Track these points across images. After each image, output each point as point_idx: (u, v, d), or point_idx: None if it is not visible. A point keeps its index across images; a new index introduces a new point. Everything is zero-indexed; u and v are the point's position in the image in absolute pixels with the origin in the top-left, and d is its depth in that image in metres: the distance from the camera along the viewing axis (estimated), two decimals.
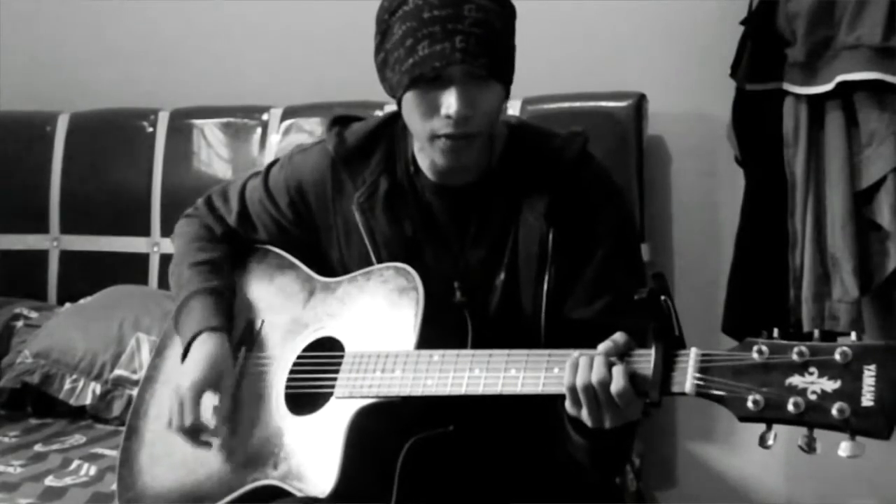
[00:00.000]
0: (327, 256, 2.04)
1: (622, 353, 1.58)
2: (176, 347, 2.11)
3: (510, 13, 1.83)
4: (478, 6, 1.74)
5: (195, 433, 1.95)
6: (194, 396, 1.93)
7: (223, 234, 2.15)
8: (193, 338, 1.99)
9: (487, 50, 1.74)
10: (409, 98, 1.80)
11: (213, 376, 1.95)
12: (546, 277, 1.86)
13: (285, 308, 2.03)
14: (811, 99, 2.75)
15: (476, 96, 1.77)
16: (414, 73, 1.76)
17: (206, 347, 1.97)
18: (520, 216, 1.89)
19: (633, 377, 1.55)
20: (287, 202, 2.06)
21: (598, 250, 1.86)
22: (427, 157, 1.90)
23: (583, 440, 1.69)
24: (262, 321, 2.05)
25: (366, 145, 1.99)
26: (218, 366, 1.96)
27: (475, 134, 1.80)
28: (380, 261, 1.93)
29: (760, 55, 2.80)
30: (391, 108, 2.00)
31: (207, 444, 1.95)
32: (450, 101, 1.76)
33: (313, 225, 2.05)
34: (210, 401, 1.95)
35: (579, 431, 1.67)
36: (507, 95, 1.86)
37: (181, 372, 1.97)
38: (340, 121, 2.05)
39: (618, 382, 1.55)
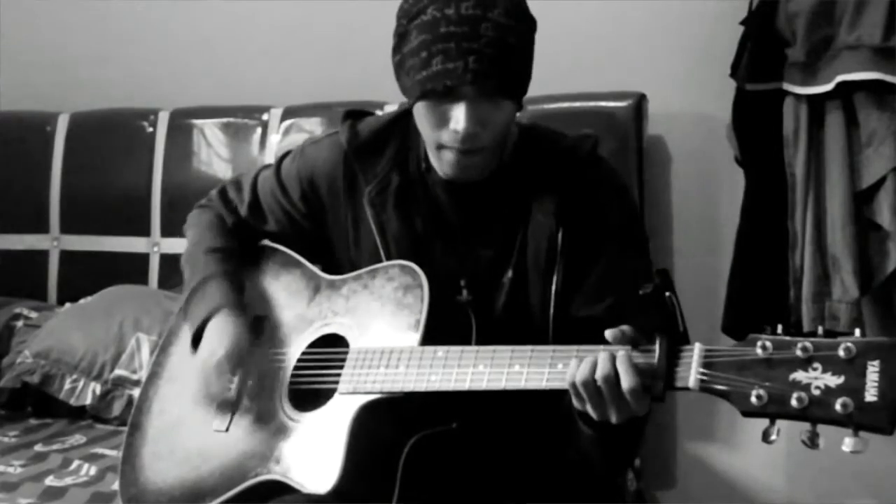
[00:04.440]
0: (336, 249, 2.05)
1: (630, 344, 1.59)
2: (181, 344, 2.12)
3: (529, 27, 1.83)
4: (495, 24, 1.73)
5: (208, 415, 1.97)
6: (221, 368, 1.94)
7: (234, 225, 2.16)
8: (208, 317, 1.99)
9: (500, 70, 1.74)
10: (421, 107, 1.81)
11: (235, 350, 1.95)
12: (555, 276, 1.86)
13: (290, 305, 2.04)
14: (811, 99, 2.75)
15: (486, 113, 1.78)
16: (426, 87, 1.76)
17: (222, 326, 1.98)
18: (529, 215, 1.90)
19: (639, 372, 1.56)
20: (299, 194, 2.07)
21: (607, 249, 1.87)
22: (435, 162, 1.91)
23: (591, 432, 1.70)
24: (268, 318, 2.06)
25: (378, 140, 1.99)
26: (239, 341, 1.96)
27: (482, 148, 1.82)
28: (389, 257, 1.94)
29: (760, 55, 2.80)
30: (392, 108, 2.01)
31: (215, 437, 1.96)
32: (458, 117, 1.76)
33: (323, 218, 2.05)
34: (233, 375, 1.98)
35: (588, 424, 1.68)
36: (519, 107, 1.86)
37: (197, 353, 1.98)
38: (353, 114, 2.06)
39: (628, 380, 1.55)
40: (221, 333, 1.97)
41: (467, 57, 1.72)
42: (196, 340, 2.02)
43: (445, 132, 1.80)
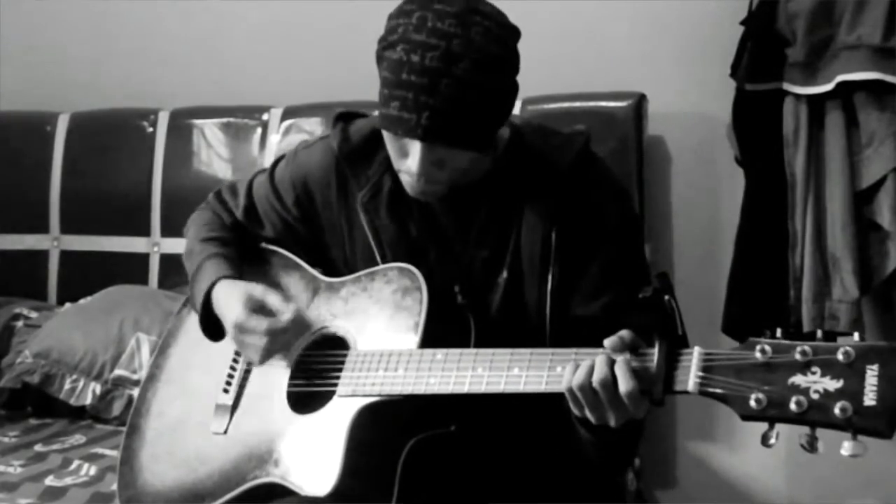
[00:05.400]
0: (331, 254, 2.04)
1: (629, 350, 1.58)
2: (180, 345, 2.12)
3: (503, 77, 1.77)
4: (456, 81, 1.68)
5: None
6: (250, 316, 1.91)
7: (233, 224, 2.16)
8: (212, 287, 1.98)
9: (455, 128, 1.72)
10: (384, 133, 1.81)
11: (252, 302, 1.93)
12: (550, 276, 1.86)
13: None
14: (811, 99, 2.74)
15: (442, 156, 1.76)
16: (383, 125, 1.76)
17: (229, 289, 1.97)
18: (522, 215, 1.89)
19: (638, 376, 1.55)
20: (293, 199, 2.06)
21: (603, 247, 1.86)
22: None
23: (589, 435, 1.69)
24: None
25: (369, 144, 1.97)
26: (251, 294, 1.94)
27: (440, 186, 1.82)
28: (384, 261, 1.94)
29: (760, 55, 2.79)
30: None
31: (214, 439, 1.96)
32: (414, 156, 1.76)
33: (318, 222, 2.05)
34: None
35: (586, 427, 1.68)
36: (486, 150, 1.84)
37: (225, 313, 1.95)
38: (344, 117, 2.05)
39: (626, 384, 1.55)
40: (231, 297, 1.95)
41: (422, 112, 1.69)
42: (204, 323, 2.01)
43: (403, 163, 1.80)
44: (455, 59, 1.68)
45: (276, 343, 1.93)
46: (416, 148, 1.74)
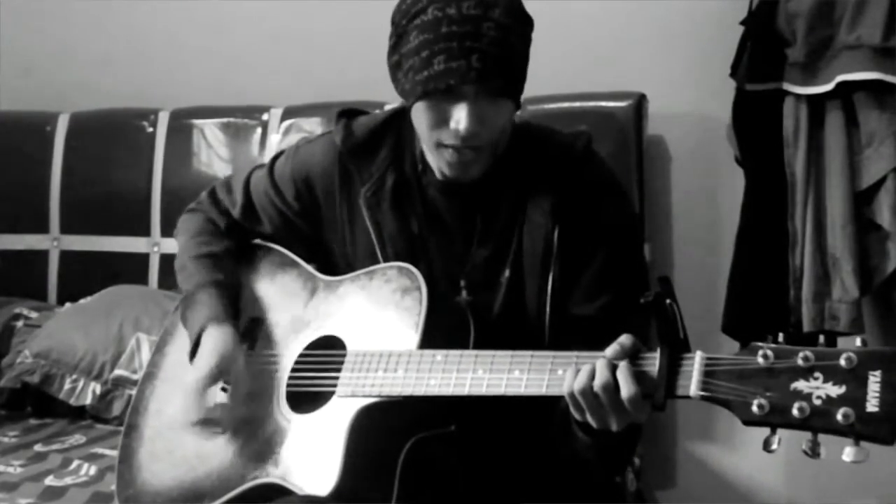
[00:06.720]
0: (331, 249, 2.04)
1: (630, 357, 1.57)
2: (177, 343, 2.11)
3: (527, 28, 1.82)
4: (497, 24, 1.73)
5: (203, 426, 1.95)
6: (201, 389, 1.92)
7: (227, 228, 2.15)
8: (201, 331, 1.98)
9: (502, 70, 1.75)
10: (420, 107, 1.80)
11: (221, 368, 1.93)
12: (551, 275, 1.86)
13: (287, 306, 2.03)
14: (811, 99, 2.75)
15: (486, 112, 1.77)
16: (428, 87, 1.75)
17: (213, 340, 1.96)
18: (525, 214, 1.89)
19: (640, 381, 1.55)
20: (294, 194, 2.06)
21: (602, 247, 1.86)
22: (433, 162, 1.90)
23: (588, 439, 1.69)
24: (264, 319, 2.05)
25: (373, 139, 1.99)
26: (226, 358, 1.94)
27: (482, 147, 1.81)
28: (385, 257, 1.94)
29: (760, 55, 2.80)
30: (392, 107, 2.01)
31: (213, 438, 1.95)
32: (460, 117, 1.76)
33: (319, 217, 2.05)
34: (219, 394, 1.95)
35: (585, 430, 1.67)
36: (517, 107, 1.86)
37: (192, 367, 1.97)
38: (347, 113, 2.06)
39: (628, 388, 1.54)
40: (212, 350, 1.95)
41: (470, 56, 1.72)
42: (194, 353, 2.01)
43: (445, 131, 1.79)
44: (490, 6, 1.74)
45: (194, 426, 1.97)
46: (461, 105, 1.76)
